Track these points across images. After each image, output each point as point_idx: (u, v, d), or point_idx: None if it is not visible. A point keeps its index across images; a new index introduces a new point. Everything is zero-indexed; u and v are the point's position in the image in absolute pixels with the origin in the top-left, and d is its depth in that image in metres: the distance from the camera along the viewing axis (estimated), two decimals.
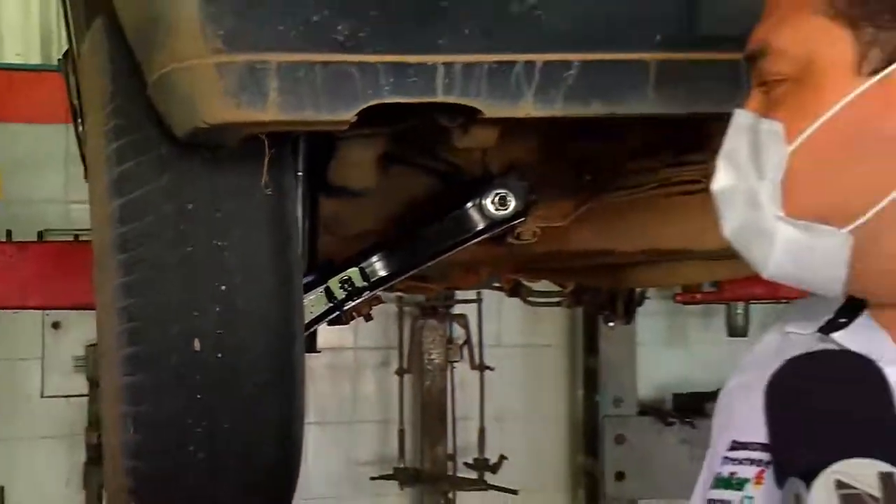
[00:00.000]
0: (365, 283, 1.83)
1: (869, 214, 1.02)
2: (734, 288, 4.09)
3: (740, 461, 1.14)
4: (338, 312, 1.84)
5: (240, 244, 1.45)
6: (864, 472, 0.87)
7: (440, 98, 1.29)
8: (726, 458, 1.17)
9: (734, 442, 1.17)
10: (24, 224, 4.63)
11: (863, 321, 1.10)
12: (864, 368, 0.96)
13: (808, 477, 0.88)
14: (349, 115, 1.27)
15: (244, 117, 1.27)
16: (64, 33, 5.15)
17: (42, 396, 4.80)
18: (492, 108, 1.30)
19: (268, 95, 1.26)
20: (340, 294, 1.82)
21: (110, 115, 1.46)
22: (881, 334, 1.07)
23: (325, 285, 1.82)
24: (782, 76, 1.05)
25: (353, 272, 1.82)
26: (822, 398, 0.96)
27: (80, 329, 4.71)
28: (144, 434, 1.45)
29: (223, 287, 1.43)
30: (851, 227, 1.03)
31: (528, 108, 1.30)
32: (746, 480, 1.12)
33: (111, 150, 1.44)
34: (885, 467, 0.87)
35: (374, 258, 1.80)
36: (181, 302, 1.44)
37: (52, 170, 4.91)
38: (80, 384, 4.73)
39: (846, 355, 1.01)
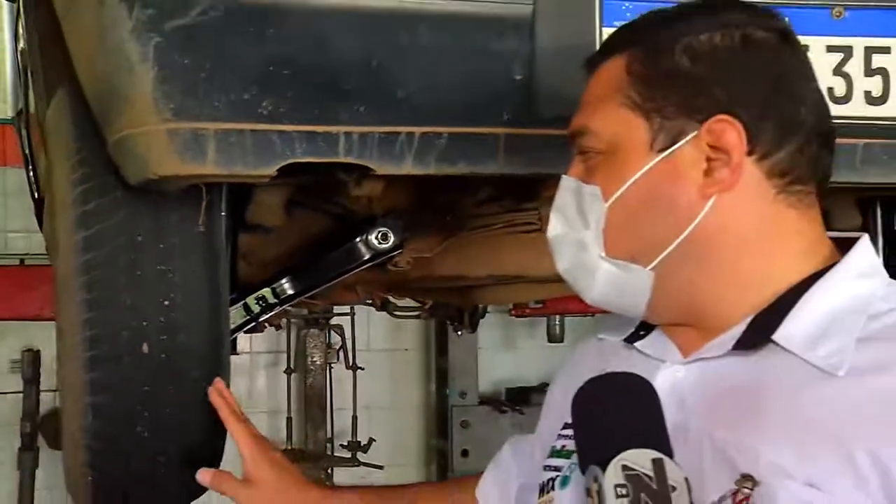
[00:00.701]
0: (275, 300, 1.83)
1: (662, 256, 1.05)
2: (554, 304, 4.11)
3: (569, 437, 1.12)
4: (254, 323, 1.85)
5: (179, 269, 1.44)
6: (641, 458, 0.89)
7: (341, 158, 1.29)
8: (560, 434, 1.18)
9: (565, 424, 1.16)
10: None
11: (656, 334, 1.13)
12: (640, 384, 0.97)
13: (603, 464, 0.90)
14: (270, 170, 1.28)
15: (188, 171, 1.27)
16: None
17: None
18: (381, 167, 1.31)
19: (207, 154, 1.25)
20: (256, 308, 1.82)
21: (75, 165, 1.45)
22: (670, 344, 1.10)
23: (243, 301, 1.82)
24: (597, 150, 1.08)
25: (266, 291, 1.82)
26: (611, 407, 0.96)
27: (16, 337, 4.58)
28: (102, 419, 1.44)
29: (166, 302, 1.43)
30: (652, 265, 1.05)
31: (408, 167, 1.31)
32: (573, 451, 1.10)
33: (76, 194, 1.43)
34: (656, 454, 0.89)
35: (283, 280, 1.81)
36: (132, 314, 1.43)
37: None
38: (16, 383, 4.58)
39: (628, 376, 1.00)
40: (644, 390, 0.96)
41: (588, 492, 0.91)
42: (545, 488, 1.17)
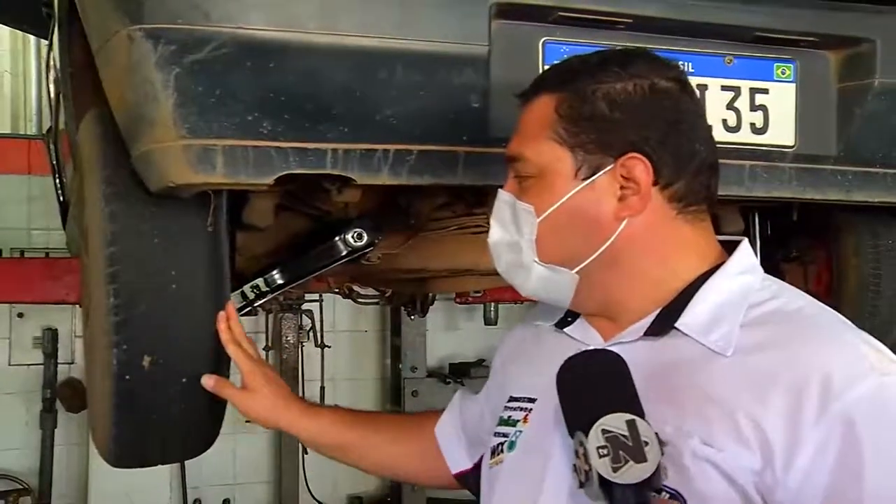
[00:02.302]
0: (267, 288, 1.83)
1: (584, 264, 1.08)
2: (491, 293, 4.07)
3: (514, 409, 1.18)
4: (249, 307, 1.85)
5: (189, 260, 1.43)
6: (617, 421, 0.90)
7: (328, 170, 1.30)
8: (506, 406, 1.20)
9: (511, 397, 1.20)
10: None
11: (581, 321, 1.16)
12: (614, 359, 0.98)
13: (586, 429, 0.91)
14: (269, 180, 1.27)
15: (200, 180, 1.26)
16: (28, 111, 4.96)
17: (9, 365, 4.58)
18: (361, 178, 1.31)
19: (216, 166, 1.25)
20: (251, 295, 1.82)
21: (102, 174, 1.43)
22: (592, 329, 1.14)
23: (240, 289, 1.82)
24: (529, 175, 1.09)
25: (259, 281, 1.82)
26: (589, 379, 0.97)
27: (37, 318, 4.54)
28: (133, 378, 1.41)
29: (174, 286, 1.41)
30: (576, 270, 1.09)
31: (384, 178, 1.32)
32: (517, 420, 1.16)
33: (103, 197, 1.41)
34: (629, 416, 0.90)
35: (274, 272, 1.81)
36: (149, 298, 1.40)
37: (17, 206, 4.70)
38: (38, 356, 4.54)
39: (605, 352, 1.02)
40: (616, 363, 0.97)
41: (576, 454, 0.93)
42: (496, 451, 1.18)
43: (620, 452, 0.88)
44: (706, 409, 0.98)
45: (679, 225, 1.07)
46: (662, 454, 0.89)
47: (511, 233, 1.12)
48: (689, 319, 1.04)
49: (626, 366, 0.97)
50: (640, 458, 0.88)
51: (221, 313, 1.44)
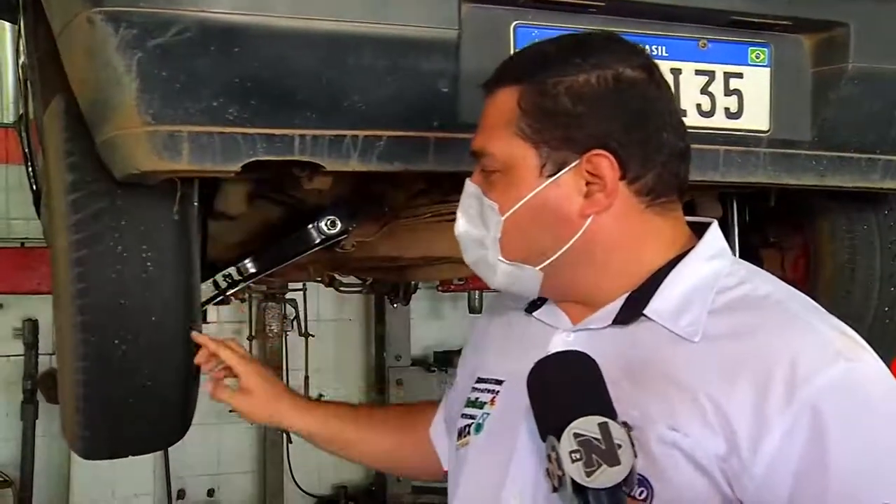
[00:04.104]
0: (240, 277, 1.81)
1: (549, 261, 1.06)
2: (474, 281, 3.97)
3: (482, 391, 1.17)
4: (222, 296, 1.83)
5: (156, 249, 1.41)
6: (589, 424, 0.88)
7: (296, 157, 1.28)
8: (473, 388, 1.19)
9: (479, 378, 1.19)
10: None
11: (550, 305, 1.14)
12: (584, 360, 0.96)
13: (558, 433, 0.89)
14: (236, 167, 1.26)
15: (165, 167, 1.25)
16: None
17: None
18: (331, 164, 1.30)
19: (181, 153, 1.23)
20: (223, 284, 1.81)
21: (67, 161, 1.41)
22: (561, 313, 1.12)
23: (213, 278, 1.80)
24: (495, 169, 1.07)
25: (232, 270, 1.80)
26: (560, 382, 0.95)
27: (17, 308, 4.52)
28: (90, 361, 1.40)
29: (144, 275, 1.40)
30: (540, 267, 1.07)
31: (354, 164, 1.30)
32: (485, 402, 1.15)
33: (68, 185, 1.40)
34: (601, 419, 0.88)
35: (247, 260, 1.79)
36: (115, 287, 1.38)
37: None
38: (18, 347, 4.52)
39: (575, 353, 0.99)
40: (586, 364, 0.95)
41: (549, 458, 0.91)
42: (462, 433, 1.18)
43: (593, 456, 0.87)
44: (672, 394, 0.97)
45: (648, 217, 1.05)
46: (636, 456, 0.88)
47: (477, 227, 1.10)
48: (658, 306, 1.03)
49: (598, 367, 0.94)
50: (614, 461, 0.87)
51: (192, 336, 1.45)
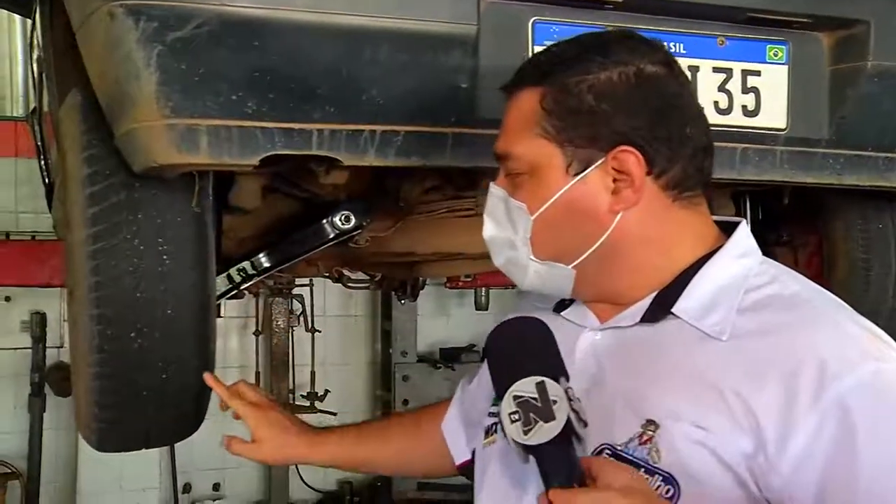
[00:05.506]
0: (254, 272, 1.80)
1: (580, 259, 1.06)
2: (482, 278, 4.11)
3: None
4: (235, 291, 1.82)
5: (173, 242, 1.40)
6: (528, 385, 0.90)
7: (314, 151, 1.28)
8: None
9: None
10: None
11: (577, 304, 1.14)
12: (534, 324, 0.98)
13: (502, 396, 0.91)
14: (254, 161, 1.26)
15: (184, 160, 1.25)
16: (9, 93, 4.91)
17: None
18: (348, 159, 1.30)
19: (200, 146, 1.23)
20: (237, 278, 1.80)
21: (84, 153, 1.40)
22: (589, 312, 1.11)
23: (227, 272, 1.79)
24: (520, 171, 1.06)
25: (246, 264, 1.79)
26: (510, 347, 0.97)
27: (25, 301, 4.50)
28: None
29: (160, 269, 1.39)
30: (573, 265, 1.07)
31: (371, 159, 1.30)
32: None
33: (85, 177, 1.39)
34: (539, 378, 0.91)
35: (261, 255, 1.78)
36: (131, 280, 1.38)
37: (3, 188, 4.66)
38: (26, 340, 4.51)
39: (526, 319, 1.01)
40: (536, 328, 0.97)
41: (501, 424, 0.93)
42: (489, 431, 1.18)
43: (531, 415, 0.89)
44: (700, 392, 0.97)
45: (675, 212, 1.05)
46: (572, 409, 0.89)
47: (506, 230, 1.10)
48: (686, 304, 1.03)
49: (548, 330, 0.96)
50: (549, 417, 0.88)
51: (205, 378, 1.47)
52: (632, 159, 1.02)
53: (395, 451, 1.50)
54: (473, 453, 1.33)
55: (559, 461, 0.89)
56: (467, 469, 1.39)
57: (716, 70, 1.47)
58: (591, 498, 0.86)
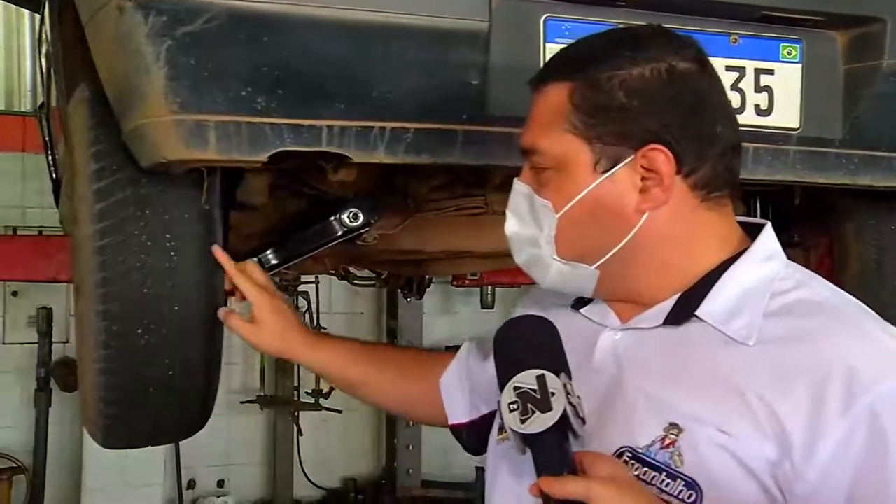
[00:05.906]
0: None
1: (605, 259, 1.04)
2: (487, 276, 4.12)
3: None
4: None
5: (181, 238, 1.40)
6: (528, 377, 0.93)
7: (324, 148, 1.27)
8: None
9: None
10: None
11: (598, 302, 1.13)
12: (539, 322, 1.00)
13: (503, 388, 0.95)
14: (263, 157, 1.25)
15: (192, 156, 1.24)
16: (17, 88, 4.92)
17: (3, 343, 4.62)
18: (357, 156, 1.28)
19: (208, 142, 1.22)
20: None
21: (92, 148, 1.39)
22: (609, 311, 1.11)
23: None
24: (546, 166, 1.05)
25: (253, 261, 1.71)
26: (515, 342, 0.99)
27: (32, 297, 4.55)
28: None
29: (168, 265, 1.38)
30: (596, 265, 1.05)
31: (380, 156, 1.29)
32: None
33: (92, 172, 1.38)
34: (539, 372, 0.93)
35: (268, 252, 1.76)
36: (139, 276, 1.37)
37: (11, 183, 4.67)
38: (32, 335, 4.53)
39: (535, 318, 1.02)
40: (543, 326, 0.99)
41: (500, 414, 0.96)
42: (503, 428, 1.16)
43: (529, 405, 0.91)
44: (724, 397, 0.96)
45: (702, 212, 1.04)
46: (570, 403, 0.91)
47: (529, 227, 1.08)
48: (711, 308, 1.02)
49: (554, 329, 0.98)
50: (546, 407, 0.91)
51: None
52: (661, 157, 1.00)
53: (390, 381, 1.47)
54: (471, 424, 1.34)
55: (553, 453, 0.91)
56: (458, 432, 1.39)
57: (728, 69, 1.45)
58: (575, 485, 0.87)
